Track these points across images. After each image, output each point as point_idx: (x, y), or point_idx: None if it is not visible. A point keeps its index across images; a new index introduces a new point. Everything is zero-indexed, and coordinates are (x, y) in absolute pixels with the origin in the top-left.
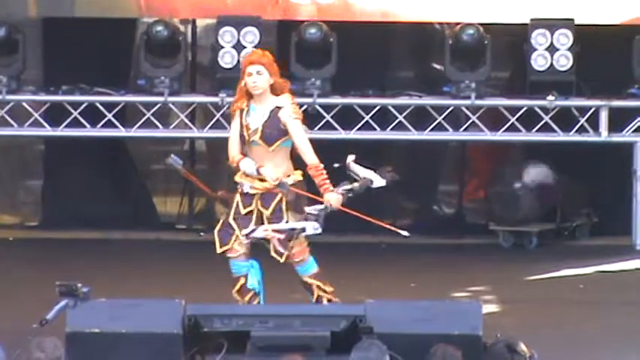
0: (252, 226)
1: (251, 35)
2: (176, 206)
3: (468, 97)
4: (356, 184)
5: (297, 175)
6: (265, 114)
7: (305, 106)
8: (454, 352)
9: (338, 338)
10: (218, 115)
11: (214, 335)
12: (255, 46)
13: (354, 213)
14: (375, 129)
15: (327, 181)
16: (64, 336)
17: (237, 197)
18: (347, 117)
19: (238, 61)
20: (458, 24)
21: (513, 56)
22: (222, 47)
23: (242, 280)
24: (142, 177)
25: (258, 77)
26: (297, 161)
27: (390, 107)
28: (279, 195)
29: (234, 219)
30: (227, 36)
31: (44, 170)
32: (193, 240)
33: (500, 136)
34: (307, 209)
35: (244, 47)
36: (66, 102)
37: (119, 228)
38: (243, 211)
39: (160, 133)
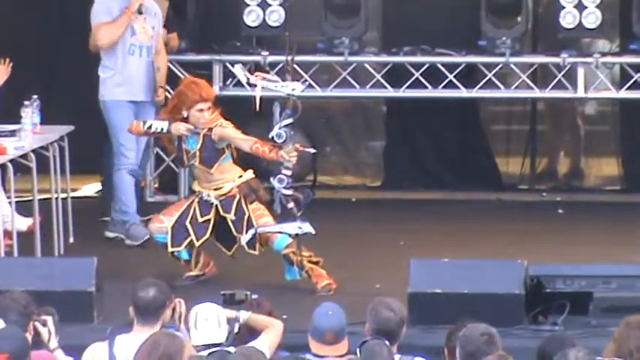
0: (248, 234)
1: None
2: (518, 167)
3: None
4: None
5: (249, 174)
6: (199, 138)
7: None
8: None
9: None
10: (560, 76)
11: (556, 296)
12: (596, 6)
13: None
14: None
15: (267, 147)
16: (406, 296)
17: (195, 203)
18: None
19: (580, 21)
20: None
21: None
22: (564, 7)
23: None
24: (485, 138)
25: (208, 113)
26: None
27: None
28: (237, 196)
29: (190, 223)
30: None
31: (386, 131)
32: (535, 201)
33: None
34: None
35: (586, 7)
36: (407, 63)
37: (462, 189)
38: (200, 219)
39: (502, 93)
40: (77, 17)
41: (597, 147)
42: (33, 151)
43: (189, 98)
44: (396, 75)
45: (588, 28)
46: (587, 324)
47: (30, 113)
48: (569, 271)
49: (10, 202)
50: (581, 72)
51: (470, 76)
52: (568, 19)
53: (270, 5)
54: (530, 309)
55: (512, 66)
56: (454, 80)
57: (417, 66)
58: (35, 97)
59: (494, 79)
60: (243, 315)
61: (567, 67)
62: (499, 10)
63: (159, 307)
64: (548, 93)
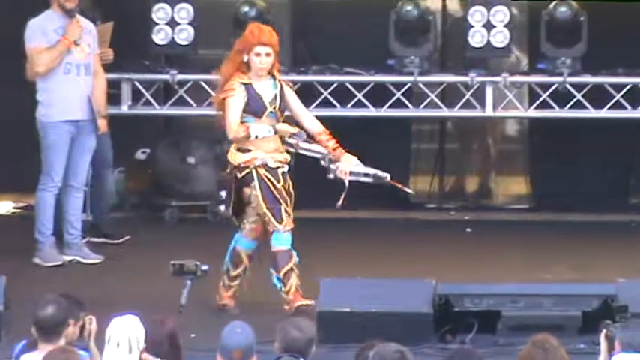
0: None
1: (501, 15)
2: (426, 186)
3: None
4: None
5: None
6: (273, 86)
7: (555, 85)
8: None
9: (590, 318)
10: (468, 95)
11: (465, 315)
12: (505, 26)
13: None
14: (625, 107)
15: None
16: (315, 315)
17: (266, 174)
18: (597, 96)
19: (488, 40)
20: None
21: None
22: (472, 26)
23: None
24: (393, 157)
25: (267, 59)
26: None
27: None
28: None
29: (278, 195)
30: (477, 15)
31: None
32: (443, 220)
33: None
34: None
35: (494, 26)
36: (316, 82)
37: (369, 208)
38: (278, 186)
39: (410, 112)
40: None
41: (506, 166)
42: None
43: (248, 42)
44: (305, 94)
45: (497, 48)
46: (495, 342)
47: None
48: (477, 290)
49: None
50: (489, 91)
51: (378, 95)
52: (477, 38)
53: (178, 24)
54: (439, 328)
55: (420, 85)
56: (362, 99)
57: (326, 85)
58: None
59: (402, 98)
60: None
61: (476, 86)
62: (407, 30)
63: (58, 324)
64: (457, 112)
